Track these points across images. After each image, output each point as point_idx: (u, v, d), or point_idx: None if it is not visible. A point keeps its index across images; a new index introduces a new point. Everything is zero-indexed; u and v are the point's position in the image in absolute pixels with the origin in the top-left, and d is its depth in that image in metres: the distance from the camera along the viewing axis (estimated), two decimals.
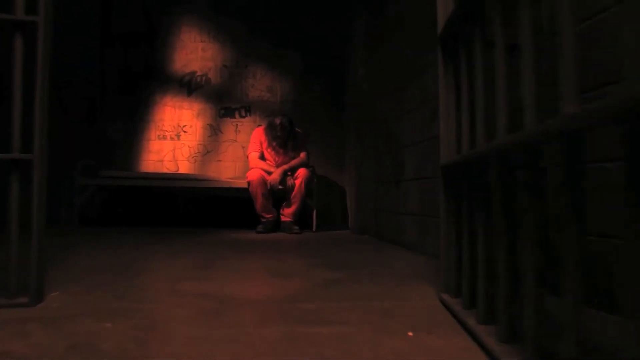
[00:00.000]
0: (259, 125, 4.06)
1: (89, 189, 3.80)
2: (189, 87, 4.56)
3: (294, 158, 3.83)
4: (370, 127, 3.50)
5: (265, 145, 3.85)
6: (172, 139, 4.53)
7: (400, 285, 1.55)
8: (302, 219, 3.83)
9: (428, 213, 2.35)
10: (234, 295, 1.37)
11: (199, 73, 4.57)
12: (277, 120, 3.71)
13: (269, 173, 3.68)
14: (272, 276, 1.74)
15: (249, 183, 3.66)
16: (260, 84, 4.60)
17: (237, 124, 4.57)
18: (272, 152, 3.87)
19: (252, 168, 3.76)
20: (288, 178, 3.67)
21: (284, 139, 3.78)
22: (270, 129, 3.77)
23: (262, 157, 3.85)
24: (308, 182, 3.70)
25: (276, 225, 3.81)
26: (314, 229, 3.87)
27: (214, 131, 4.56)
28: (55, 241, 2.67)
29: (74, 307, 1.17)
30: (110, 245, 2.57)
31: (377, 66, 3.41)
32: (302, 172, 3.69)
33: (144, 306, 1.21)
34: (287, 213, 3.75)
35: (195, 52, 4.59)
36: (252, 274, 1.77)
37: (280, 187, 3.64)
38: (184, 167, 4.50)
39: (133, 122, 4.50)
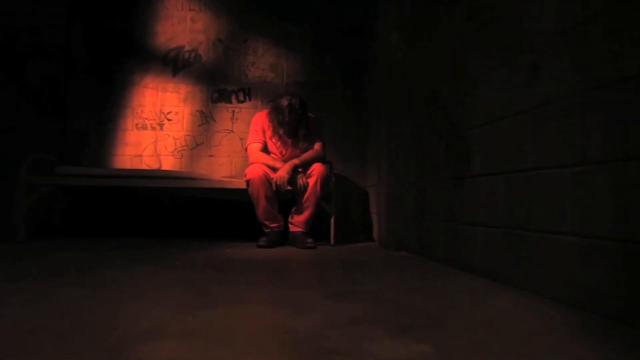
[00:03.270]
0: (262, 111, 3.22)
1: (40, 191, 2.95)
2: (174, 65, 3.72)
3: (305, 150, 2.98)
4: (409, 109, 2.65)
5: (269, 134, 3.00)
6: (153, 128, 3.68)
7: None
8: (316, 229, 2.98)
9: (525, 225, 1.51)
10: None
11: (187, 48, 3.73)
12: (285, 102, 2.87)
13: (274, 170, 2.83)
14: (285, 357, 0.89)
15: (248, 182, 2.81)
16: (262, 62, 3.76)
17: (233, 111, 3.73)
18: (279, 143, 3.02)
19: (252, 163, 2.91)
20: (299, 176, 2.82)
21: (293, 125, 2.93)
22: (275, 113, 2.92)
23: (265, 150, 3.01)
24: (324, 182, 2.86)
25: (283, 236, 2.96)
26: (332, 241, 3.02)
27: (205, 119, 3.71)
28: None
29: None
30: (43, 275, 1.72)
31: (419, 27, 2.56)
32: (317, 169, 2.84)
33: None
34: (298, 221, 2.90)
35: (182, 22, 3.75)
36: (248, 347, 0.92)
37: (288, 187, 2.79)
38: (168, 163, 3.65)
39: (105, 108, 3.66)
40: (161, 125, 3.68)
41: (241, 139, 3.68)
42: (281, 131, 2.94)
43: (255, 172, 2.80)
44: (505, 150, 1.65)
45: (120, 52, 3.69)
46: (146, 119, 3.68)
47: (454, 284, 1.66)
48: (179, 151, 3.68)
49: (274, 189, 2.77)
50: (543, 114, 1.43)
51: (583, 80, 1.25)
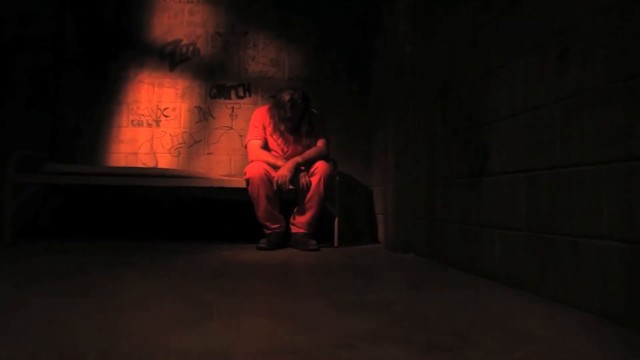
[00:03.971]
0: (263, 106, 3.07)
1: (29, 190, 2.80)
2: (171, 59, 3.57)
3: (308, 147, 2.83)
4: (418, 104, 2.51)
5: (270, 130, 2.85)
6: (149, 125, 3.53)
7: None
8: (318, 230, 2.83)
9: (552, 228, 1.36)
10: None
11: (184, 42, 3.58)
12: (286, 96, 2.72)
13: (276, 168, 2.68)
14: None
15: (248, 181, 2.66)
16: (263, 56, 3.61)
17: (233, 107, 3.58)
18: (280, 140, 2.87)
19: (252, 161, 2.77)
20: (302, 174, 2.67)
21: (295, 121, 2.78)
22: (277, 108, 2.77)
23: (265, 147, 2.86)
24: (328, 181, 2.71)
25: (285, 238, 2.81)
26: (336, 243, 2.87)
27: (203, 116, 3.56)
28: None
29: None
30: (18, 281, 1.57)
31: (430, 15, 2.41)
32: (320, 167, 2.69)
33: None
34: (300, 222, 2.75)
35: (180, 15, 3.60)
36: None
37: (290, 186, 2.64)
38: (165, 161, 3.50)
39: (99, 104, 3.50)
40: (157, 121, 3.53)
41: (241, 136, 3.53)
42: (282, 127, 2.79)
43: (255, 170, 2.65)
44: (529, 146, 1.51)
45: (114, 45, 3.54)
46: (142, 115, 3.53)
47: (473, 292, 1.51)
48: (176, 149, 3.53)
49: (275, 188, 2.62)
50: (575, 105, 1.28)
51: (625, 66, 1.11)
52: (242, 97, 3.58)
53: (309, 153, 2.76)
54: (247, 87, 3.58)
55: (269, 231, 2.75)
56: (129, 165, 3.45)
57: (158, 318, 1.12)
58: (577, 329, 1.07)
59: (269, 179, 2.65)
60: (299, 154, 2.77)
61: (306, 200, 2.70)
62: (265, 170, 2.66)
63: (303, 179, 2.65)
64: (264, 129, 2.86)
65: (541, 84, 1.44)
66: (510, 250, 1.60)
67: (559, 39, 1.35)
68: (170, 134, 3.53)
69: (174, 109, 3.55)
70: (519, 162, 1.57)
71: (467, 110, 1.95)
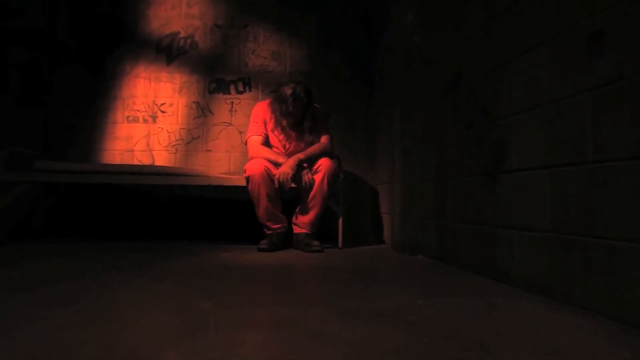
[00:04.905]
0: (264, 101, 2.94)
1: (19, 188, 2.68)
2: (168, 53, 3.45)
3: (311, 144, 2.71)
4: (427, 97, 2.38)
5: (271, 125, 2.73)
6: (145, 121, 3.41)
7: None
8: (322, 230, 2.72)
9: (582, 230, 1.24)
10: None
11: (182, 35, 3.46)
12: (288, 90, 2.60)
13: (277, 165, 2.56)
14: None
15: (248, 179, 2.54)
16: (264, 50, 3.49)
17: (232, 102, 3.45)
18: (282, 136, 2.75)
19: (252, 158, 2.64)
20: (304, 172, 2.55)
21: (298, 115, 2.65)
22: (278, 102, 2.65)
23: (266, 143, 2.73)
24: (332, 179, 2.59)
25: (287, 239, 2.69)
26: (340, 244, 2.75)
27: (201, 111, 3.44)
28: None
29: None
30: None
31: (438, 4, 2.29)
32: (324, 164, 2.57)
33: None
34: (303, 222, 2.63)
35: (177, 6, 3.48)
36: None
37: (293, 185, 2.52)
38: (162, 159, 3.39)
39: (93, 99, 3.39)
40: (154, 117, 3.41)
41: (240, 132, 3.41)
42: (284, 122, 2.66)
43: (255, 167, 2.53)
44: (554, 140, 1.38)
45: (109, 38, 3.42)
46: (138, 110, 3.41)
47: (492, 299, 1.39)
48: (173, 146, 3.40)
49: (277, 186, 2.50)
50: (610, 94, 1.16)
51: None
52: (241, 92, 3.46)
53: (312, 149, 2.64)
54: (247, 81, 3.46)
55: (270, 231, 2.63)
56: (125, 163, 3.33)
57: (149, 331, 1.00)
58: (614, 343, 0.95)
59: (270, 177, 2.53)
60: (302, 150, 2.65)
61: (309, 199, 2.58)
62: (266, 167, 2.54)
63: (306, 176, 2.53)
64: (265, 124, 2.74)
65: (569, 71, 1.32)
66: (532, 253, 1.48)
67: (591, 21, 1.23)
68: (167, 130, 3.41)
69: (171, 105, 3.42)
70: (541, 157, 1.45)
71: (481, 102, 1.83)
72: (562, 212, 1.34)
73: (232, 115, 3.44)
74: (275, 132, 2.74)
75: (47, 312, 1.11)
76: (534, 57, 1.49)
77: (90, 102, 3.38)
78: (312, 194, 2.56)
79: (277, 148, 2.75)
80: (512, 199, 1.61)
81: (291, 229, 2.69)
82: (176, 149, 3.40)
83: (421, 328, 1.03)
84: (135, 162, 3.34)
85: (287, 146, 2.76)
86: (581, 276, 1.25)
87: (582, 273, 1.24)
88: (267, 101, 2.81)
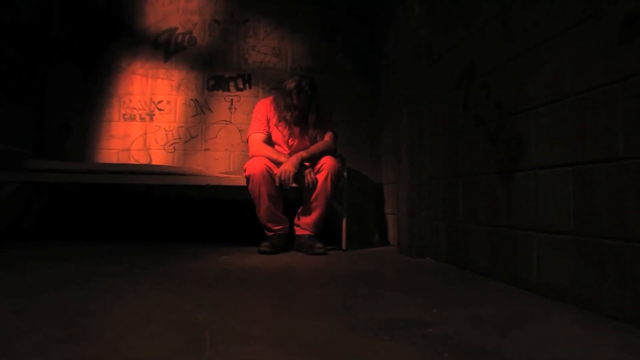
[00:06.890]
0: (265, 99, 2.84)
1: (9, 189, 2.57)
2: (166, 49, 3.34)
3: (315, 140, 2.60)
4: (437, 91, 2.27)
5: (275, 121, 2.62)
6: (142, 119, 3.30)
7: None
8: (325, 231, 2.61)
9: (609, 232, 1.13)
10: None
11: (180, 30, 3.35)
12: (293, 83, 2.49)
13: (278, 164, 2.45)
14: None
15: (248, 179, 2.43)
16: (264, 46, 3.38)
17: (232, 99, 3.35)
18: (285, 131, 2.63)
19: (253, 157, 2.53)
20: (307, 171, 2.44)
21: (302, 109, 2.54)
22: (282, 96, 2.54)
23: (268, 142, 2.62)
24: (336, 178, 2.47)
25: (289, 240, 2.58)
26: (344, 246, 2.64)
27: (200, 109, 3.33)
28: None
29: None
30: None
31: None
32: (327, 163, 2.46)
33: None
34: (305, 223, 2.52)
35: (175, 1, 3.37)
36: None
37: (294, 184, 2.41)
38: (159, 158, 3.28)
39: (88, 96, 3.28)
40: (151, 115, 3.30)
41: (240, 130, 3.30)
42: (288, 116, 2.54)
43: (256, 166, 2.42)
44: (578, 135, 1.27)
45: (105, 33, 3.31)
46: (134, 108, 3.30)
47: (512, 308, 1.28)
48: (171, 145, 3.30)
49: (278, 185, 2.39)
50: None
51: None
52: (241, 89, 3.35)
53: (315, 148, 2.53)
54: (247, 78, 3.35)
55: (271, 233, 2.52)
56: (121, 162, 3.22)
57: (137, 349, 0.89)
58: None
59: (271, 176, 2.42)
60: (305, 147, 2.54)
61: (312, 199, 2.47)
62: (267, 166, 2.43)
63: (309, 176, 2.42)
64: (268, 122, 2.63)
65: (598, 59, 1.21)
66: (553, 256, 1.37)
67: (624, 0, 1.12)
68: (164, 128, 3.30)
69: (168, 102, 3.32)
70: (564, 153, 1.34)
71: (496, 95, 1.72)
72: (588, 213, 1.23)
73: (231, 113, 3.33)
74: (279, 127, 2.62)
75: (26, 325, 1.00)
76: (557, 45, 1.38)
77: (85, 100, 3.28)
78: (315, 194, 2.45)
79: (279, 144, 2.64)
80: (531, 198, 1.50)
81: (293, 231, 2.59)
82: (174, 148, 3.29)
83: (439, 343, 0.92)
84: (132, 162, 3.23)
85: (290, 142, 2.65)
86: (613, 284, 1.13)
87: (613, 280, 1.13)
88: (270, 98, 2.70)
